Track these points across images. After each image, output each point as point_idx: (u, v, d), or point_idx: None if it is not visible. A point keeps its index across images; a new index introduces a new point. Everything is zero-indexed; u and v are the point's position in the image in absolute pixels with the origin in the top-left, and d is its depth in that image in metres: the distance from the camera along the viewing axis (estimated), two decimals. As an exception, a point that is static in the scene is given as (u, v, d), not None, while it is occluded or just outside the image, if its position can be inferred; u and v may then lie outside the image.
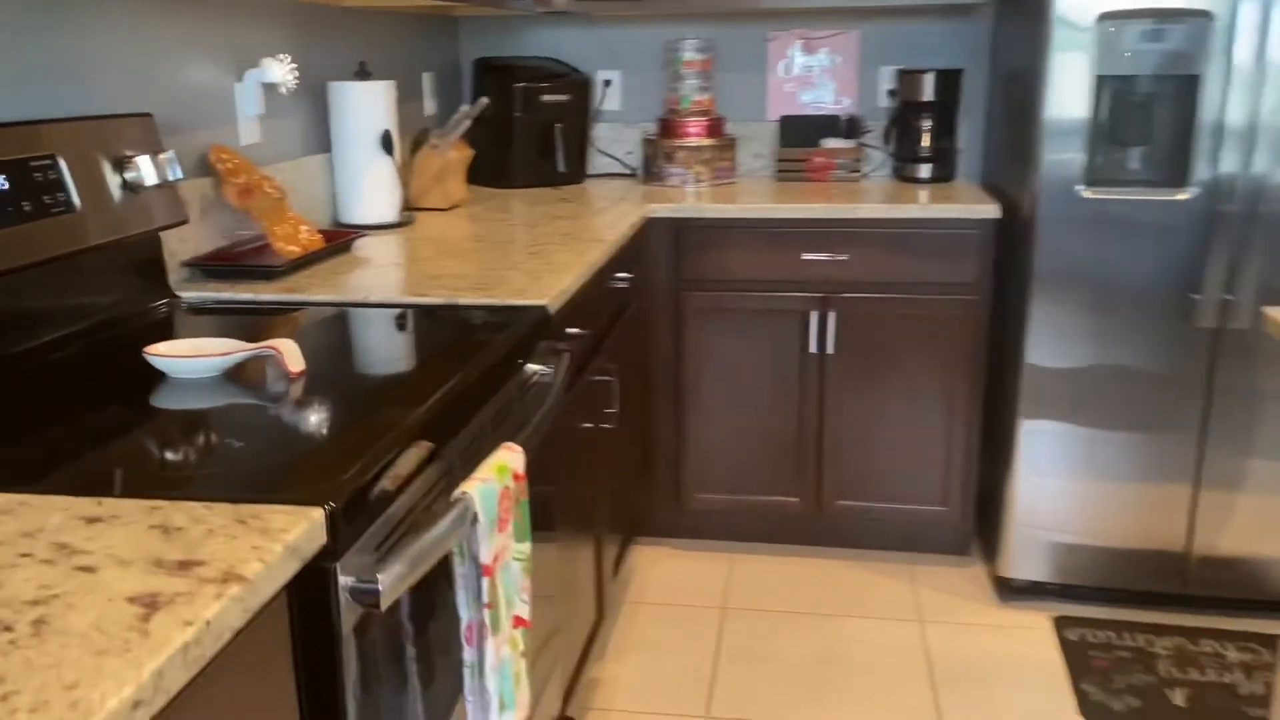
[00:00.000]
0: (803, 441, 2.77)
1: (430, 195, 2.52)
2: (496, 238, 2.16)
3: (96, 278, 1.49)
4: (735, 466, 2.82)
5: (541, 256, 1.95)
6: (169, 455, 1.01)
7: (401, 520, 1.06)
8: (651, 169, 3.00)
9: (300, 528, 0.85)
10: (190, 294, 1.69)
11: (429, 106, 2.96)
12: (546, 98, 2.92)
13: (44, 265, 1.36)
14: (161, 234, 1.70)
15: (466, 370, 1.30)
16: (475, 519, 1.09)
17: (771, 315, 2.69)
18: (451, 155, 2.52)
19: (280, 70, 1.96)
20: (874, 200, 2.63)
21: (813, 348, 2.69)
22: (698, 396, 2.77)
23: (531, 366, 1.54)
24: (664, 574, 2.78)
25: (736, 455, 2.81)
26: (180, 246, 1.77)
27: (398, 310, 1.60)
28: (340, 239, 2.01)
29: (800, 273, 2.66)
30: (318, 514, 0.88)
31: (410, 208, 2.53)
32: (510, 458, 1.19)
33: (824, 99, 3.13)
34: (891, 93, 3.07)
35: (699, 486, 2.84)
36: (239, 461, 0.99)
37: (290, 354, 1.27)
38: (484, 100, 2.54)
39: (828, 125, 3.06)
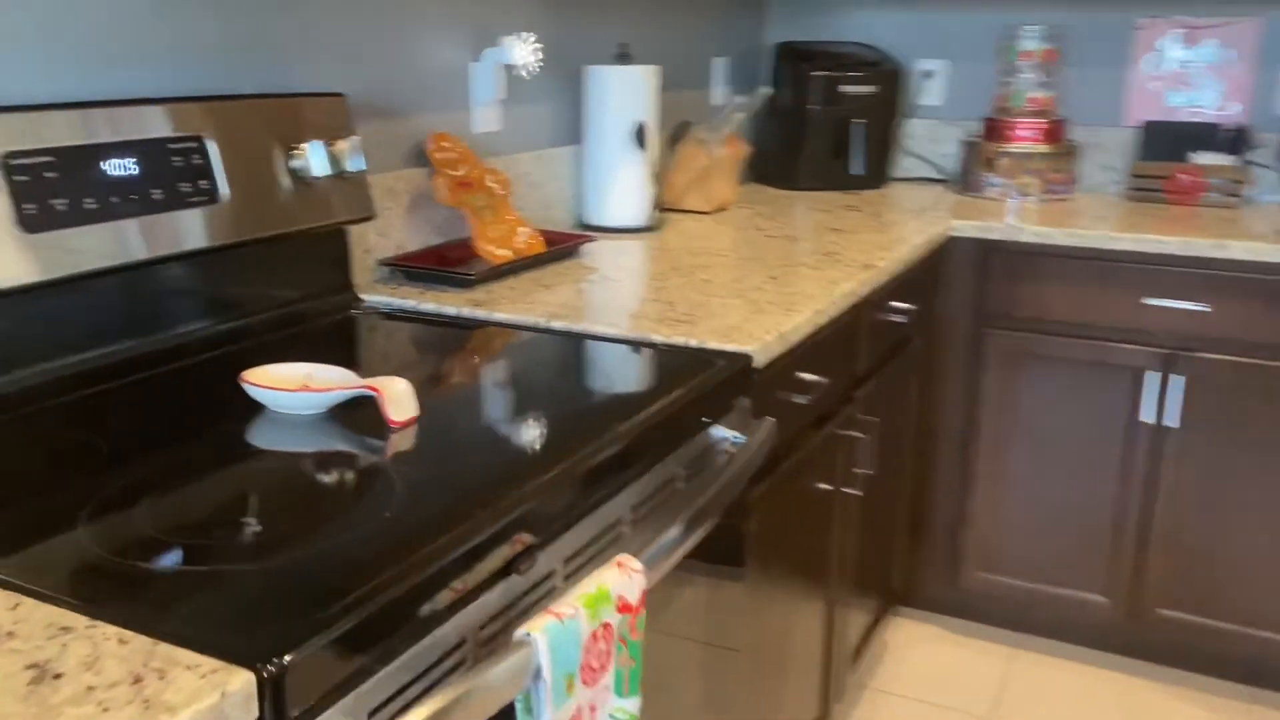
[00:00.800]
0: (1121, 530, 2.22)
1: (691, 196, 2.23)
2: (746, 252, 1.83)
3: (255, 276, 1.34)
4: (1031, 547, 2.31)
5: (783, 282, 1.61)
6: (149, 530, 0.79)
7: (438, 663, 0.78)
8: (968, 177, 2.53)
9: (203, 702, 0.59)
10: (378, 297, 1.51)
11: (717, 96, 2.67)
12: (847, 89, 2.53)
13: (185, 259, 1.21)
14: (355, 229, 1.53)
15: (611, 433, 1.00)
16: (539, 673, 0.78)
17: (1097, 370, 2.16)
18: (720, 152, 2.21)
19: (522, 50, 1.74)
20: (1256, 236, 2.02)
21: (1148, 416, 2.13)
22: (993, 458, 2.30)
23: (719, 432, 1.21)
24: (924, 659, 2.34)
25: (1034, 534, 2.30)
26: (380, 243, 1.60)
27: (574, 341, 1.33)
28: (566, 243, 1.77)
29: (1140, 321, 2.11)
30: (240, 682, 0.62)
31: (669, 208, 2.26)
32: (618, 580, 0.87)
33: (1202, 103, 2.50)
34: (1299, 97, 2.40)
35: (982, 564, 2.36)
36: (224, 557, 0.75)
37: (396, 398, 1.03)
38: (764, 90, 2.21)
39: (1203, 136, 2.44)
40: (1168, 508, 2.16)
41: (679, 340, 1.32)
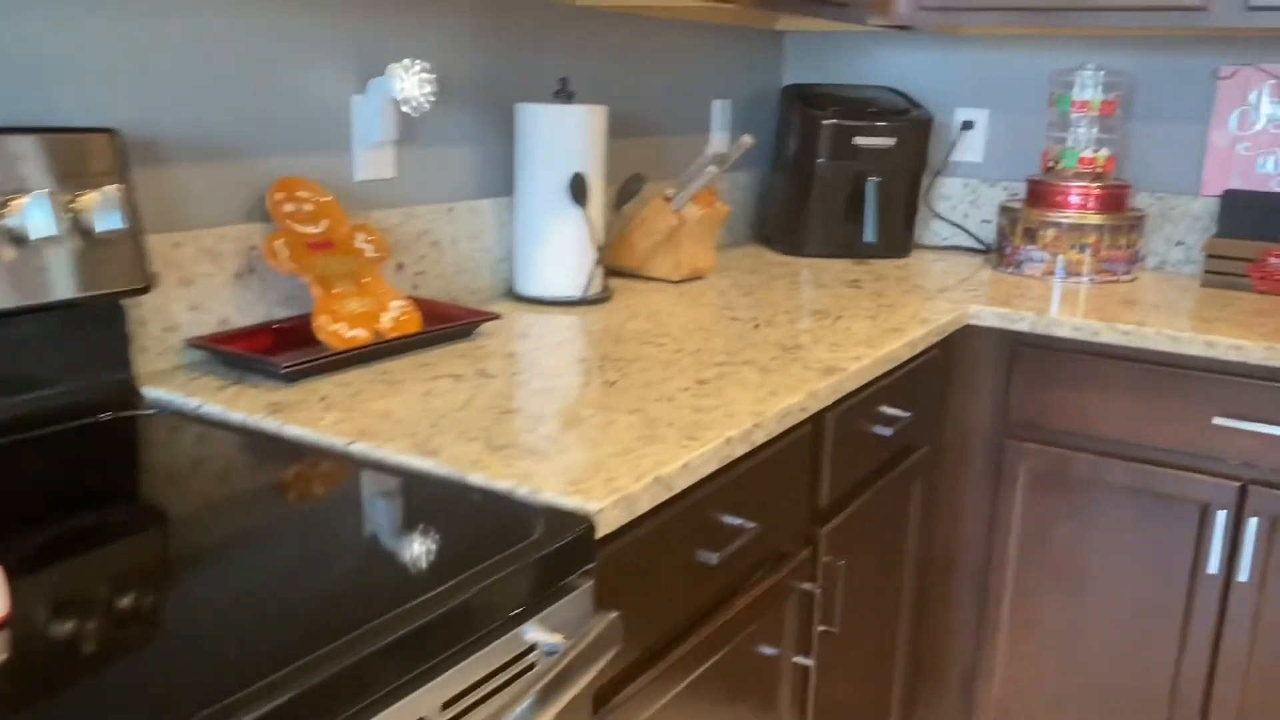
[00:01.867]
0: (1179, 700, 1.74)
1: (658, 261, 1.85)
2: (692, 340, 1.44)
3: (-40, 365, 0.99)
4: (1065, 712, 1.85)
5: (710, 390, 1.21)
6: None
7: None
8: (1006, 249, 2.10)
9: None
10: (164, 392, 1.16)
11: (717, 144, 2.30)
12: (863, 141, 2.13)
13: None
14: (149, 302, 1.19)
15: (340, 647, 0.62)
16: None
17: (1154, 502, 1.71)
18: (692, 212, 1.83)
19: (407, 81, 1.39)
20: (1363, 344, 1.57)
21: (1213, 565, 1.67)
22: (1020, 601, 1.85)
23: (534, 635, 0.82)
24: (925, 845, 1.88)
25: (1068, 696, 1.84)
26: (192, 319, 1.25)
27: (370, 475, 0.96)
28: (451, 323, 1.40)
29: (1210, 444, 1.66)
30: None
31: (632, 274, 1.88)
32: None
33: (1302, 168, 2.04)
34: None
35: (1000, 728, 1.90)
36: None
37: (-38, 593, 0.66)
38: (746, 139, 1.82)
39: (1301, 209, 1.98)
40: (1235, 680, 1.69)
41: (506, 485, 0.93)
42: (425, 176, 1.58)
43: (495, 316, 1.45)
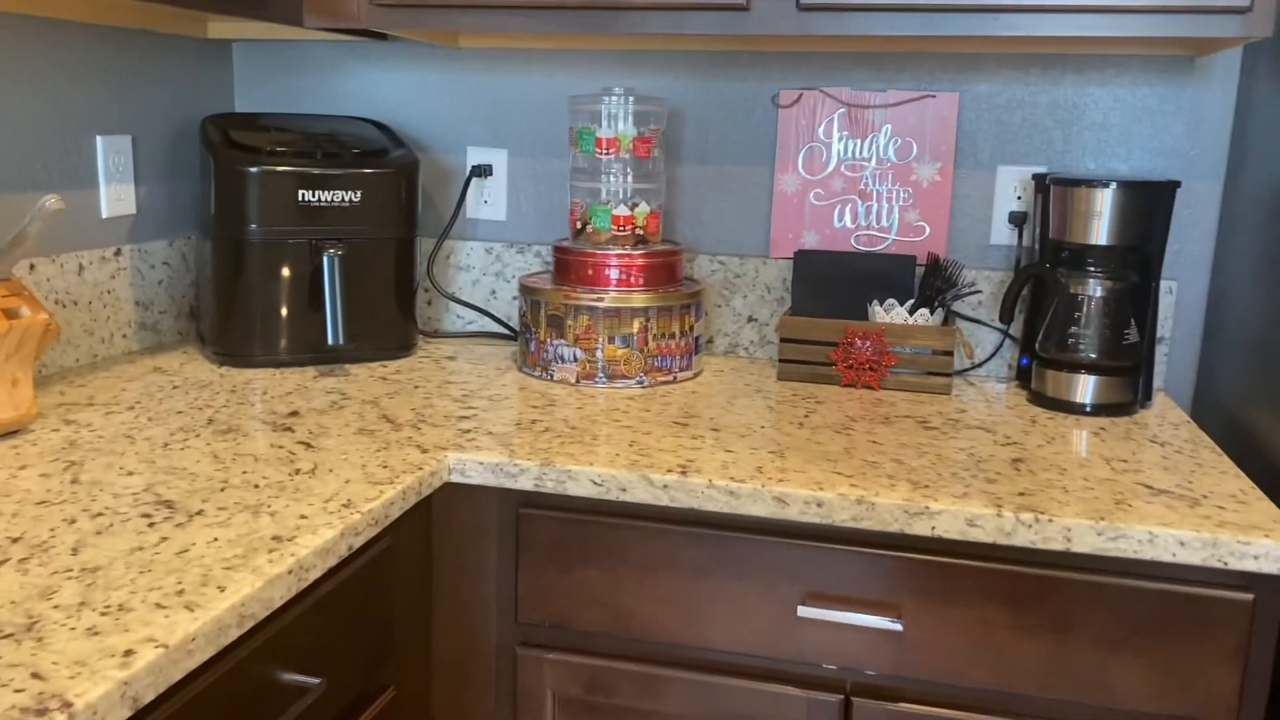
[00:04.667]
0: None
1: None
2: None
3: None
4: None
5: None
6: None
7: None
8: (529, 342, 1.50)
9: None
10: None
11: (111, 201, 1.52)
12: (310, 195, 1.45)
13: None
14: None
15: None
16: None
17: (724, 724, 1.15)
18: (-48, 331, 1.05)
19: None
20: (967, 493, 1.09)
21: (817, 815, 1.13)
22: None
23: None
24: None
25: None
26: None
27: None
28: None
29: (795, 642, 1.12)
30: None
31: None
32: None
33: (886, 224, 1.61)
34: (1015, 217, 1.55)
35: None
36: None
37: None
38: (49, 202, 1.08)
39: (888, 274, 1.54)
40: None
41: None
42: None
43: None
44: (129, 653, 0.69)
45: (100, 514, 0.93)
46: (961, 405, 1.41)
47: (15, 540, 0.87)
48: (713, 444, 1.20)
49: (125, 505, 0.95)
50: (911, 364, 1.47)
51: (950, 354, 1.46)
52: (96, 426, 1.19)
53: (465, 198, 1.73)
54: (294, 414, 1.27)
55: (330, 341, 1.45)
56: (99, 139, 1.51)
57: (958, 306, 1.58)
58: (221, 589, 0.79)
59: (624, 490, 1.10)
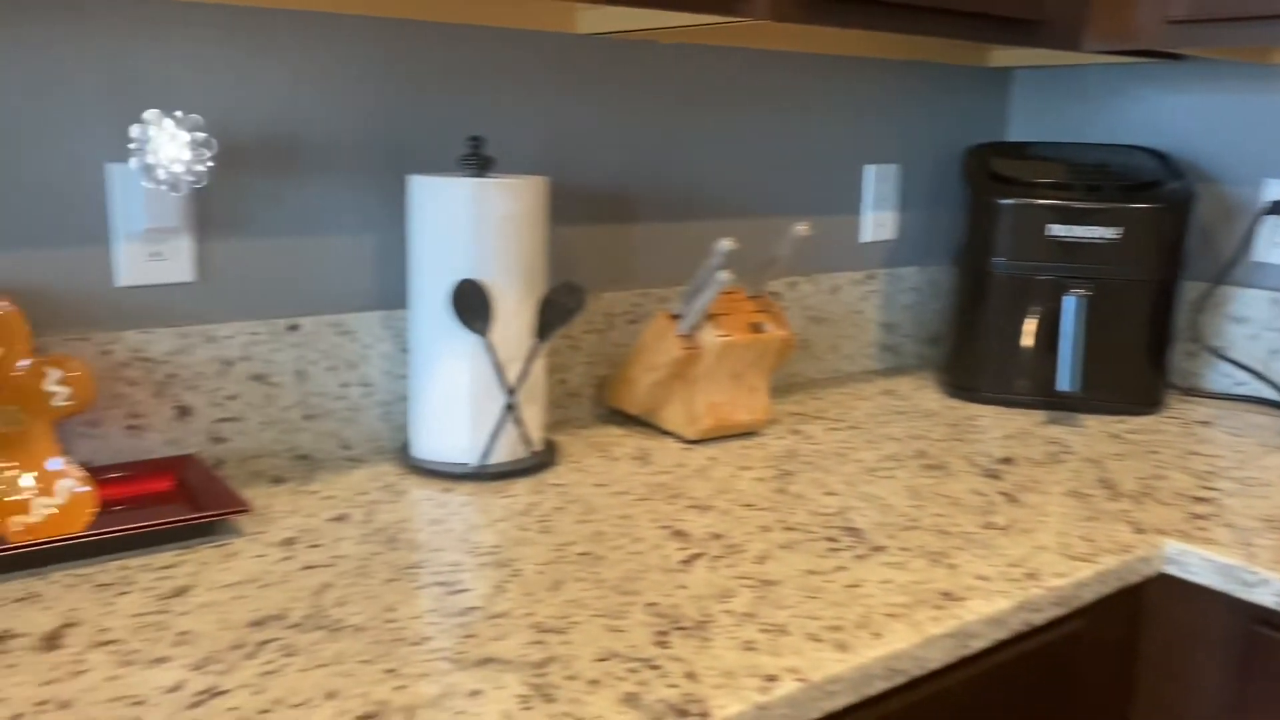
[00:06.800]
0: None
1: (671, 408, 1.23)
2: (528, 583, 0.83)
3: None
4: None
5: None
6: None
7: None
8: (1311, 421, 1.23)
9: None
10: None
11: (872, 226, 1.60)
12: (1061, 230, 1.35)
13: None
14: None
15: None
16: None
17: None
18: (711, 338, 1.19)
19: (170, 144, 0.92)
20: None
21: None
22: None
23: None
24: None
25: None
26: None
27: None
28: (154, 524, 0.89)
29: None
30: None
31: (645, 423, 1.27)
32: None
33: None
34: None
35: None
36: None
37: None
38: (799, 229, 1.15)
39: None
40: None
41: None
42: (255, 279, 1.09)
43: (243, 509, 0.92)
44: (772, 678, 0.70)
45: (792, 528, 0.97)
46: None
47: (717, 537, 0.95)
48: None
49: (817, 524, 0.99)
50: None
51: None
52: (818, 440, 1.25)
53: (1253, 237, 1.47)
54: (1006, 460, 1.20)
55: (1061, 386, 1.35)
56: (868, 168, 1.60)
57: None
58: (877, 635, 0.77)
59: None
